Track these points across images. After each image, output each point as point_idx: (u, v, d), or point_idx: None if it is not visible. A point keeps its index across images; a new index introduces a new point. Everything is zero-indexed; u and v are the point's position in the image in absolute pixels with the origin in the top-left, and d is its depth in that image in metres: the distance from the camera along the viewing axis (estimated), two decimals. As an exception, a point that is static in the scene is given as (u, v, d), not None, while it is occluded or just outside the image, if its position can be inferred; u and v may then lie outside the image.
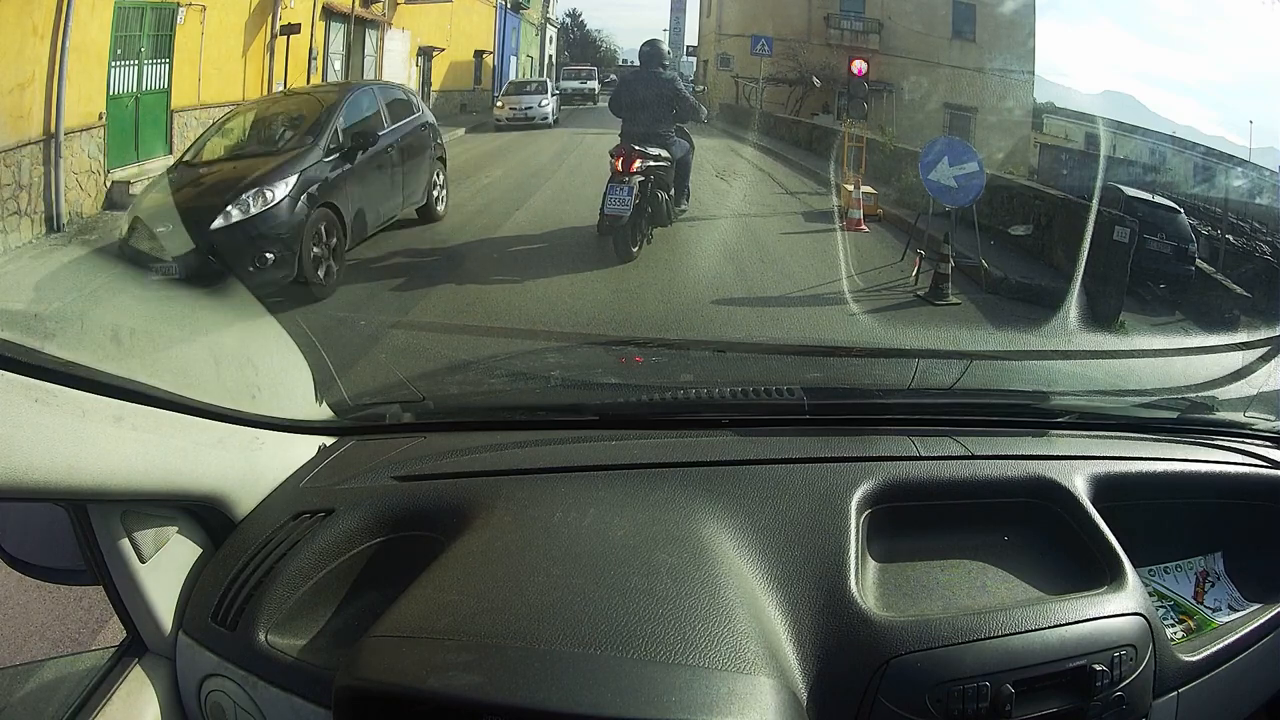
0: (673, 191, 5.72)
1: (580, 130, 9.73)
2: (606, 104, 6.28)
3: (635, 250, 5.20)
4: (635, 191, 5.10)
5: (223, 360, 1.10)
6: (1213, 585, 1.16)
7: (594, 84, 13.20)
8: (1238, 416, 1.33)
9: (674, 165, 5.67)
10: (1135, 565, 1.00)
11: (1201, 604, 1.13)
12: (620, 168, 5.16)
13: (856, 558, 0.95)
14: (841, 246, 5.73)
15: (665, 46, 6.09)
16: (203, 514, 0.98)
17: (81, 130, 5.79)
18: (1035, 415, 1.30)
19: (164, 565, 0.92)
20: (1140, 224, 5.47)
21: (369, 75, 8.94)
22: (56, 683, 0.99)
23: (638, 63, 6.05)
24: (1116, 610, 0.93)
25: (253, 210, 4.24)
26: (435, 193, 6.07)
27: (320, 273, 4.46)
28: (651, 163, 5.35)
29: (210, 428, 0.94)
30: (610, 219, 5.07)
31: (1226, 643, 1.04)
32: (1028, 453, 1.14)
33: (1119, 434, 1.26)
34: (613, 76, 12.25)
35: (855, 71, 8.11)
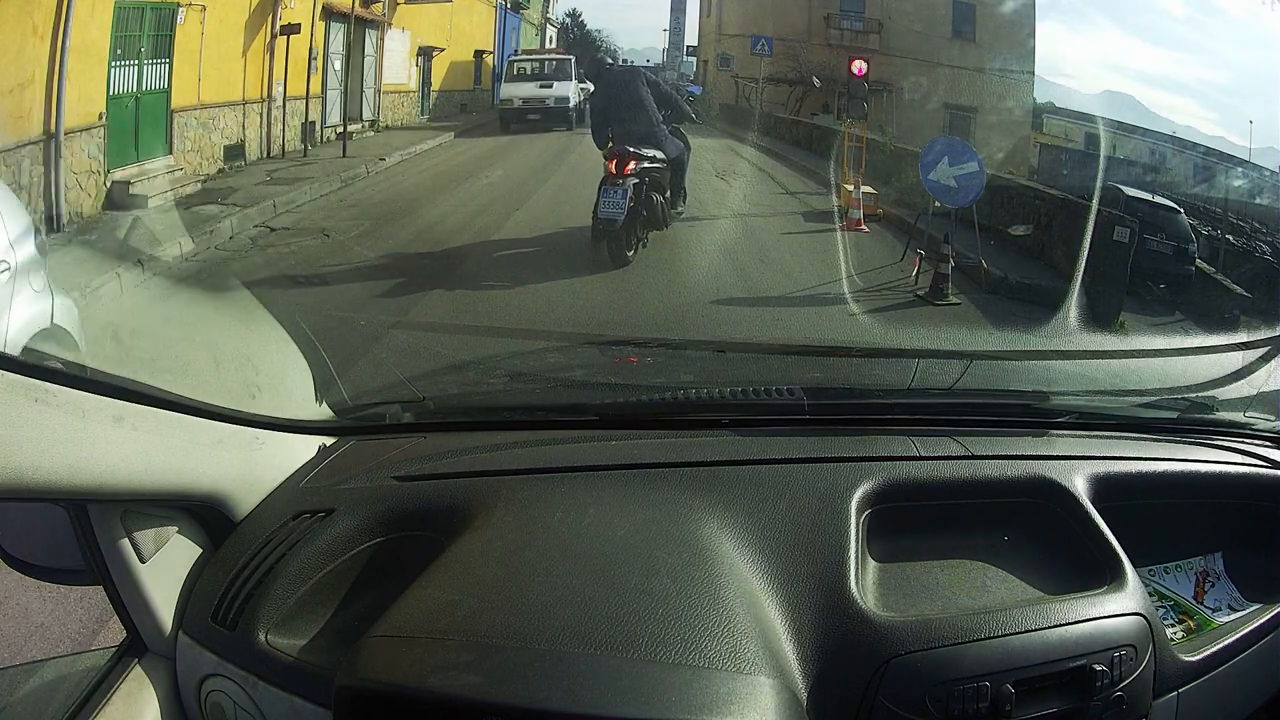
0: (669, 193, 5.60)
1: (580, 130, 9.72)
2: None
3: (630, 255, 5.10)
4: (629, 194, 4.97)
5: (223, 360, 1.10)
6: (1213, 585, 1.16)
7: (570, 90, 8.06)
8: (1238, 416, 1.33)
9: (669, 166, 5.56)
10: (1135, 565, 1.00)
11: (1201, 604, 1.13)
12: (614, 170, 5.02)
13: (856, 558, 0.95)
14: (841, 246, 5.73)
15: (608, 59, 5.90)
16: (203, 514, 0.98)
17: (81, 130, 5.79)
18: (1035, 415, 1.30)
19: (164, 565, 0.92)
20: (1140, 224, 5.47)
21: (369, 75, 8.93)
22: (56, 683, 0.99)
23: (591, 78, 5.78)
24: (1116, 610, 0.93)
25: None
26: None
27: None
28: (646, 164, 5.23)
29: (210, 428, 0.94)
30: (604, 223, 4.92)
31: (1226, 643, 1.04)
32: (1028, 453, 1.14)
33: (1119, 434, 1.26)
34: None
35: (855, 71, 8.09)
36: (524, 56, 8.45)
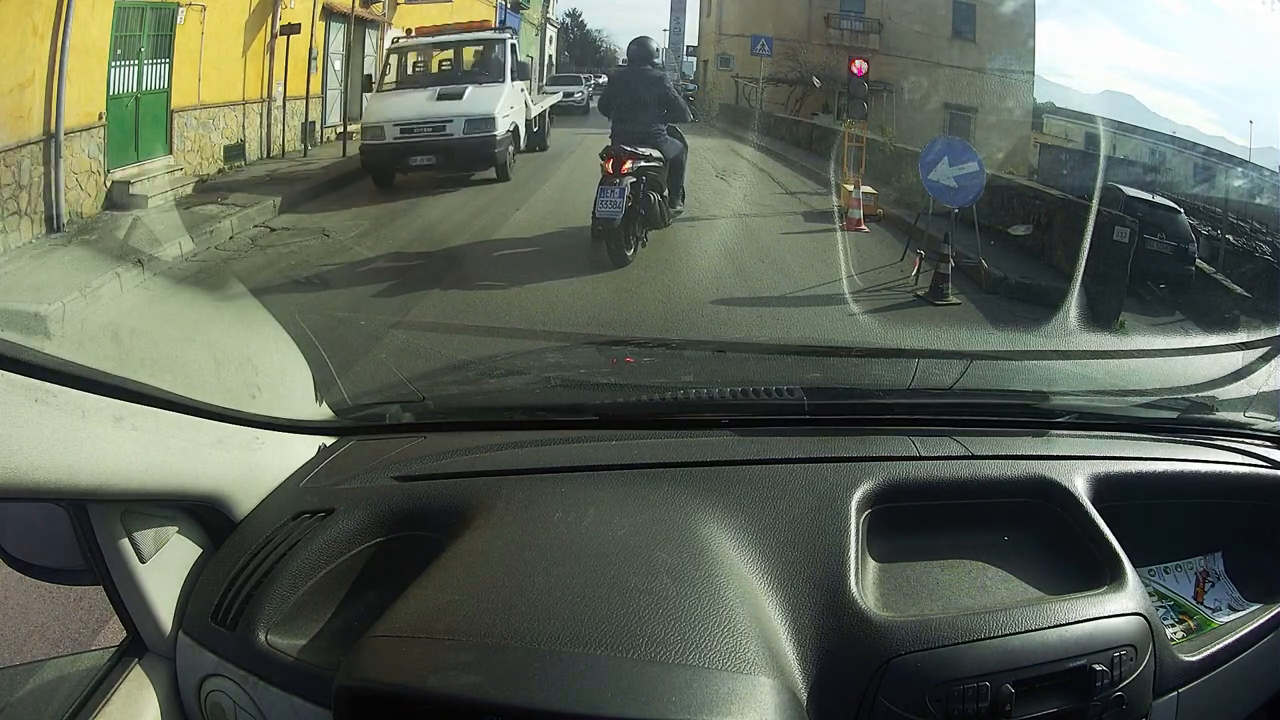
0: (666, 192, 5.61)
1: (579, 130, 9.70)
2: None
3: (630, 254, 5.11)
4: (627, 193, 4.98)
5: (223, 360, 1.10)
6: (1213, 585, 1.16)
7: (495, 102, 5.02)
8: (1238, 416, 1.33)
9: (667, 165, 5.57)
10: (1135, 565, 1.00)
11: (1201, 604, 1.13)
12: (611, 169, 5.03)
13: (856, 558, 0.95)
14: (841, 246, 5.73)
15: (655, 44, 5.93)
16: (203, 514, 0.98)
17: (81, 130, 5.79)
18: (1035, 415, 1.30)
19: (164, 565, 0.92)
20: (1140, 224, 5.48)
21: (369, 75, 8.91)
22: (56, 683, 0.99)
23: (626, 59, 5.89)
24: (1116, 610, 0.93)
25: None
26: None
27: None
28: (643, 163, 5.24)
29: (210, 428, 0.94)
30: (603, 222, 4.94)
31: (1226, 643, 1.04)
32: (1028, 453, 1.14)
33: (1119, 434, 1.26)
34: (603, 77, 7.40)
35: (855, 71, 8.09)
36: (414, 40, 4.72)
